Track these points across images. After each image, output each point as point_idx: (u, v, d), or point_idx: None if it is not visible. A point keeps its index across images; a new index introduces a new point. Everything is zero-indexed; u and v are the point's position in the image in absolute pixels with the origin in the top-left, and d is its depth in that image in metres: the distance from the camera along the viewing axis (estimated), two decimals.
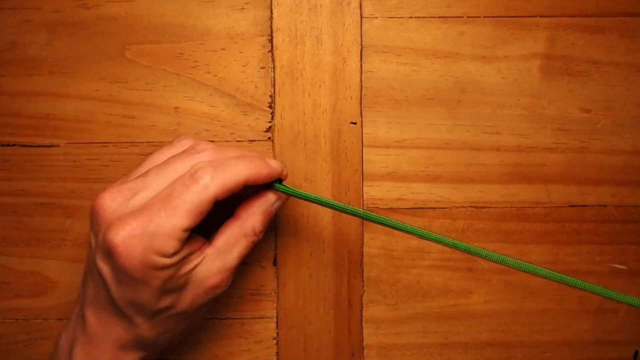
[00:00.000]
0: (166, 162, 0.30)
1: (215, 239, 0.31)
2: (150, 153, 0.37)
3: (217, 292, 0.31)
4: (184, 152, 0.31)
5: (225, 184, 0.29)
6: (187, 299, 0.30)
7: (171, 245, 0.28)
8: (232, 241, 0.31)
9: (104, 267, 0.28)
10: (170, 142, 0.33)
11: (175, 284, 0.29)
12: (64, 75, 0.37)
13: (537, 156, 0.37)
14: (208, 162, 0.29)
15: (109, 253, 0.28)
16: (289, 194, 0.32)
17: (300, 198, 0.32)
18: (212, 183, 0.28)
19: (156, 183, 0.29)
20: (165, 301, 0.29)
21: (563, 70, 0.37)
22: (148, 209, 0.28)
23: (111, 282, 0.28)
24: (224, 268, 0.30)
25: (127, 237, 0.27)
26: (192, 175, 0.29)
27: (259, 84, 0.37)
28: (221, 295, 0.31)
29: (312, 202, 0.32)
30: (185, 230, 0.28)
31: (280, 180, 0.32)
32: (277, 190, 0.32)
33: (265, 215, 0.32)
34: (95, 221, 0.29)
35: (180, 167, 0.30)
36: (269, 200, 0.32)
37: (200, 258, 0.30)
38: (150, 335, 0.30)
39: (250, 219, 0.31)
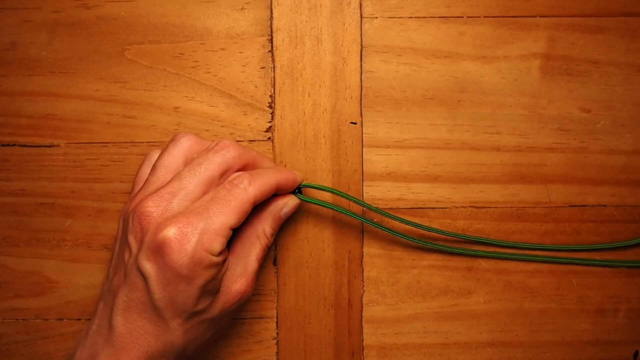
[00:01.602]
0: (195, 164, 0.31)
1: (233, 246, 0.33)
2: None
3: (243, 297, 0.32)
4: (208, 150, 0.32)
5: (262, 188, 0.31)
6: (218, 304, 0.31)
7: (219, 242, 0.30)
8: (248, 245, 0.33)
9: (150, 267, 0.29)
10: (172, 141, 0.33)
11: (213, 287, 0.30)
12: (64, 75, 0.37)
13: (537, 156, 0.37)
14: (242, 172, 0.32)
15: (159, 250, 0.29)
16: (309, 202, 0.35)
17: (320, 205, 0.35)
18: (250, 187, 0.31)
19: (192, 185, 0.31)
20: (203, 303, 0.30)
21: (563, 70, 0.37)
22: (196, 209, 0.30)
23: (155, 282, 0.29)
24: (245, 272, 0.32)
25: (179, 233, 0.29)
26: (230, 182, 0.31)
27: (259, 84, 0.37)
28: (246, 302, 0.33)
29: (331, 208, 0.35)
30: (231, 228, 0.30)
31: (299, 189, 0.35)
32: (300, 198, 0.35)
33: (275, 219, 0.34)
34: (138, 226, 0.30)
35: (211, 167, 0.31)
36: (277, 205, 0.34)
37: (226, 264, 0.31)
38: (180, 343, 0.30)
39: (261, 223, 0.33)
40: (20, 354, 0.37)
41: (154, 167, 0.33)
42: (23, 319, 0.37)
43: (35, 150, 0.37)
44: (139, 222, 0.30)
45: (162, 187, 0.31)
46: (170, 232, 0.29)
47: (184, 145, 0.33)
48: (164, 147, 0.33)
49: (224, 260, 0.31)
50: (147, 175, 0.33)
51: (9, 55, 0.37)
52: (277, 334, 0.37)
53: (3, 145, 0.37)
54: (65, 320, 0.37)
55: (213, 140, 0.33)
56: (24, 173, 0.37)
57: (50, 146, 0.37)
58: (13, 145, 0.37)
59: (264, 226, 0.34)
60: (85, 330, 0.32)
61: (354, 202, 0.36)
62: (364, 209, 0.37)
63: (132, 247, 0.30)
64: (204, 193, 0.31)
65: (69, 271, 0.37)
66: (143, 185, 0.32)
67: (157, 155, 0.33)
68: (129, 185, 0.37)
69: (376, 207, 0.36)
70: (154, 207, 0.30)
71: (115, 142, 0.37)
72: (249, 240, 0.33)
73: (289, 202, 0.34)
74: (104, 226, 0.37)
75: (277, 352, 0.37)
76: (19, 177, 0.37)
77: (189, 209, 0.30)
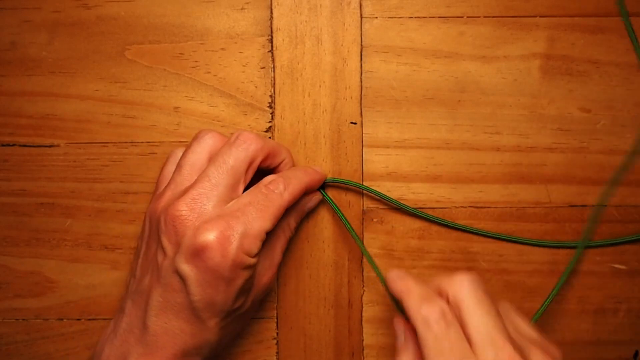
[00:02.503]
0: (222, 161, 0.31)
1: None
2: (155, 153, 0.37)
3: (269, 288, 0.34)
4: (230, 145, 0.32)
5: (295, 193, 0.32)
6: (250, 298, 0.32)
7: (257, 245, 0.30)
8: (274, 239, 0.34)
9: (190, 269, 0.29)
10: (195, 139, 0.33)
11: (249, 285, 0.31)
12: (64, 75, 0.37)
13: (537, 156, 0.37)
14: (276, 176, 0.32)
15: (200, 254, 0.29)
16: (328, 201, 0.36)
17: (334, 208, 0.36)
18: (285, 192, 0.32)
19: (222, 185, 0.31)
20: (239, 302, 0.31)
21: (563, 70, 0.37)
22: (234, 213, 0.30)
23: (195, 284, 0.29)
24: (272, 264, 0.34)
25: (221, 236, 0.29)
26: (266, 186, 0.32)
27: (259, 84, 0.37)
28: (269, 293, 0.36)
29: (339, 216, 0.36)
30: (267, 232, 0.31)
31: (324, 183, 0.36)
32: (323, 196, 0.36)
33: (299, 213, 0.35)
34: (172, 229, 0.30)
35: (237, 164, 0.31)
36: (303, 200, 0.35)
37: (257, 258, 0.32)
38: (215, 339, 0.31)
39: (287, 218, 0.34)
40: (20, 354, 0.37)
41: (179, 166, 0.32)
42: (23, 319, 0.37)
43: (35, 150, 0.37)
44: (172, 225, 0.30)
45: (192, 187, 0.31)
46: (212, 236, 0.29)
47: (208, 143, 0.33)
48: (188, 145, 0.33)
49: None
50: (171, 174, 0.33)
51: (9, 55, 0.37)
52: (277, 334, 0.37)
53: (3, 145, 0.37)
54: (65, 320, 0.37)
55: (233, 133, 0.33)
56: (24, 173, 0.37)
57: (50, 146, 0.37)
58: (13, 145, 0.37)
59: (289, 220, 0.34)
60: (111, 329, 0.32)
61: (379, 195, 0.36)
62: (365, 211, 0.37)
63: (167, 250, 0.30)
64: (233, 190, 0.31)
65: (69, 271, 0.37)
66: (169, 185, 0.32)
67: (181, 153, 0.33)
68: (129, 185, 0.37)
69: (402, 203, 0.36)
70: (188, 211, 0.30)
71: (115, 142, 0.37)
72: (274, 234, 0.33)
73: (313, 197, 0.36)
74: (104, 226, 0.37)
75: (277, 352, 0.37)
76: (19, 177, 0.37)
77: (227, 212, 0.30)
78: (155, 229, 0.31)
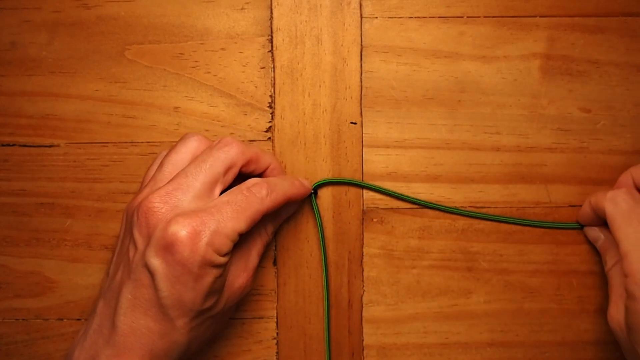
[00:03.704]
0: (200, 160, 0.31)
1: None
2: (155, 153, 0.37)
3: (244, 292, 0.33)
4: (211, 148, 0.32)
5: (276, 200, 0.32)
6: (222, 300, 0.32)
7: (227, 245, 0.30)
8: (250, 241, 0.33)
9: (159, 264, 0.29)
10: (180, 141, 0.33)
11: (219, 285, 0.31)
12: (64, 75, 0.37)
13: (537, 156, 0.37)
14: (261, 180, 0.32)
15: (170, 247, 0.29)
16: (314, 209, 0.37)
17: (316, 216, 0.37)
18: (267, 198, 0.31)
19: (199, 182, 0.31)
20: (209, 302, 0.30)
21: (563, 70, 0.37)
22: (209, 209, 0.30)
23: (163, 279, 0.29)
24: (247, 268, 0.33)
25: (192, 231, 0.29)
26: (248, 188, 0.31)
27: (259, 84, 0.37)
28: (246, 297, 0.34)
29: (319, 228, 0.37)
30: (240, 233, 0.30)
31: (312, 194, 0.36)
32: (312, 202, 0.36)
33: (277, 218, 0.35)
34: (144, 222, 0.30)
35: (216, 164, 0.31)
36: (283, 208, 0.35)
37: (229, 261, 0.31)
38: (185, 341, 0.30)
39: (263, 222, 0.33)
40: (20, 354, 0.37)
41: (161, 164, 0.33)
42: (23, 319, 0.37)
43: (35, 150, 0.37)
44: (145, 217, 0.30)
45: (169, 182, 0.31)
46: (183, 230, 0.29)
47: (193, 145, 0.33)
48: (173, 146, 0.33)
49: (228, 261, 0.31)
50: None
51: (9, 55, 0.37)
52: (277, 334, 0.37)
53: (3, 145, 0.37)
54: (65, 320, 0.37)
55: (217, 138, 0.33)
56: (24, 173, 0.37)
57: (50, 146, 0.37)
58: (13, 145, 0.37)
59: (266, 224, 0.34)
60: (83, 330, 0.31)
61: (379, 190, 0.37)
62: (365, 211, 0.37)
63: (138, 243, 0.30)
64: (210, 190, 0.31)
65: (69, 271, 0.37)
66: (149, 182, 0.32)
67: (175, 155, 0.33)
68: (129, 185, 0.37)
69: (399, 193, 0.37)
70: (161, 204, 0.30)
71: (115, 142, 0.37)
72: (250, 237, 0.33)
73: (293, 206, 0.36)
74: (104, 226, 0.37)
75: (277, 352, 0.37)
76: (19, 177, 0.37)
77: (201, 208, 0.30)
78: (129, 224, 0.31)
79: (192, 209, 0.30)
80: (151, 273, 0.29)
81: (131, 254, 0.30)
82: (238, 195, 0.31)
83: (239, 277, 0.32)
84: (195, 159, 0.32)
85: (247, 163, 0.33)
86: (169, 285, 0.29)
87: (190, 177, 0.31)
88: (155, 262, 0.29)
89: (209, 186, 0.31)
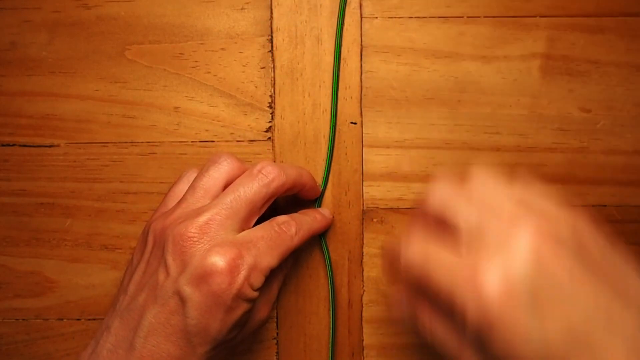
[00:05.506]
0: (240, 192, 0.31)
1: None
2: (155, 153, 0.37)
3: (262, 324, 0.34)
4: (252, 177, 0.31)
5: (303, 238, 0.33)
6: (243, 332, 0.32)
7: (261, 280, 0.30)
8: (272, 276, 0.34)
9: (192, 292, 0.28)
10: (212, 162, 0.32)
11: (246, 318, 0.31)
12: (64, 75, 0.37)
13: (537, 156, 0.37)
14: (290, 218, 0.33)
15: (207, 278, 0.28)
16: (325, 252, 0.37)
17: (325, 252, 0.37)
18: (296, 236, 0.32)
19: (237, 215, 0.30)
20: (232, 333, 0.30)
21: (563, 70, 0.37)
22: (246, 244, 0.30)
23: (195, 308, 0.29)
24: (269, 301, 0.34)
25: (231, 264, 0.29)
26: (279, 225, 0.32)
27: (259, 84, 0.37)
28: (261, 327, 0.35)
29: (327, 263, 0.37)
30: (272, 269, 0.31)
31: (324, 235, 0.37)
32: (321, 243, 0.37)
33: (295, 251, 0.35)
34: (180, 249, 0.29)
35: (256, 198, 0.31)
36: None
37: None
38: None
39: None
40: (20, 354, 0.37)
41: (192, 187, 0.32)
42: (23, 319, 0.37)
43: (35, 150, 0.37)
44: (181, 244, 0.29)
45: (206, 210, 0.30)
46: (222, 261, 0.29)
47: (226, 169, 0.32)
48: (204, 167, 0.32)
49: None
50: (182, 193, 0.32)
51: (9, 55, 0.37)
52: (277, 334, 0.37)
53: (3, 145, 0.37)
54: (65, 320, 0.37)
55: (255, 164, 0.32)
56: (24, 173, 0.37)
57: (50, 146, 0.37)
58: (13, 145, 0.37)
59: (287, 258, 0.34)
60: (92, 347, 0.30)
61: None
62: (365, 211, 0.37)
63: (171, 269, 0.29)
64: (247, 221, 0.31)
65: (69, 271, 0.37)
66: (180, 203, 0.31)
67: (194, 175, 0.33)
68: (129, 185, 0.37)
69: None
70: (199, 234, 0.29)
71: (115, 142, 0.37)
72: (274, 272, 0.33)
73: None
74: (104, 226, 0.37)
75: (277, 352, 0.37)
76: (19, 177, 0.37)
77: (239, 241, 0.30)
78: (159, 247, 0.30)
79: (230, 240, 0.30)
80: (182, 300, 0.29)
81: (161, 278, 0.29)
82: (271, 231, 0.31)
83: (260, 310, 0.33)
84: (235, 189, 0.31)
85: (285, 191, 0.33)
86: (199, 314, 0.29)
87: (230, 209, 0.30)
88: (189, 290, 0.28)
89: (246, 219, 0.31)
